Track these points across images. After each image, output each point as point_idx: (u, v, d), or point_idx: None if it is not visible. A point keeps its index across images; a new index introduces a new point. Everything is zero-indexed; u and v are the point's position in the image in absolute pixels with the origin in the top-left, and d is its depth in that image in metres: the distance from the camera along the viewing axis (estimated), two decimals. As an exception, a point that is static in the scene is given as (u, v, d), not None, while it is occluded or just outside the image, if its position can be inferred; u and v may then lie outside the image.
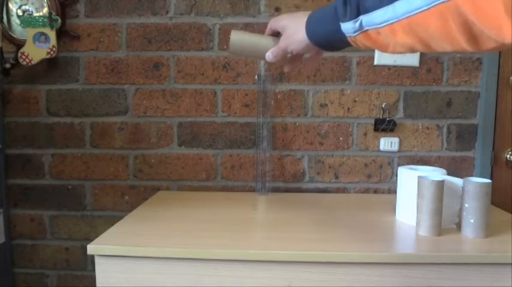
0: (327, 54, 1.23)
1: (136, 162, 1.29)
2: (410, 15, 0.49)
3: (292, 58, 0.76)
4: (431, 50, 0.51)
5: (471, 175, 1.27)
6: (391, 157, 1.27)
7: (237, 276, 0.80)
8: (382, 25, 0.53)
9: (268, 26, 0.75)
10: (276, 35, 0.74)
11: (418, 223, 0.88)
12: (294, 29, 0.68)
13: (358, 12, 0.55)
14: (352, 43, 0.60)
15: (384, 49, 0.57)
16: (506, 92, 1.22)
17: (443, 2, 0.44)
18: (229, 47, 0.77)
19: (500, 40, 0.42)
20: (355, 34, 0.57)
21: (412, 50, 0.54)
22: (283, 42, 0.71)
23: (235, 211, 1.05)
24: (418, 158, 1.27)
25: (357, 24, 0.56)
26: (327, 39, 0.63)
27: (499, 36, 0.41)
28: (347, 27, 0.57)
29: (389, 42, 0.54)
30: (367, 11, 0.54)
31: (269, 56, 0.73)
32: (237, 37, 0.76)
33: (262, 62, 1.24)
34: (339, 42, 0.62)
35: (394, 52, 0.56)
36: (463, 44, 0.46)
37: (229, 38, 0.76)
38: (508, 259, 0.77)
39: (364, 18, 0.54)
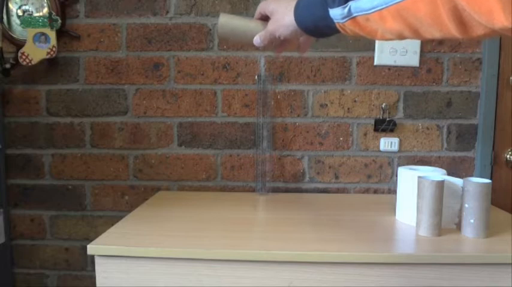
0: (327, 54, 1.23)
1: (137, 162, 1.29)
2: (400, 1, 0.48)
3: (280, 43, 0.75)
4: (420, 37, 0.50)
5: (471, 175, 1.27)
6: (391, 157, 1.27)
7: (236, 276, 0.80)
8: (371, 11, 0.52)
9: (257, 10, 0.74)
10: (265, 19, 0.73)
11: (418, 223, 0.88)
12: (282, 14, 0.67)
13: None
14: (340, 30, 0.59)
15: (372, 36, 0.56)
16: (506, 92, 1.22)
17: None
18: (217, 30, 0.76)
19: (490, 26, 0.41)
20: (344, 20, 0.56)
21: (401, 37, 0.53)
22: (271, 26, 0.70)
23: (235, 211, 1.05)
24: (418, 158, 1.27)
25: (346, 10, 0.55)
26: (314, 25, 0.63)
27: (489, 21, 0.40)
28: (335, 13, 0.56)
29: (378, 28, 0.53)
30: None
31: (257, 40, 0.73)
32: (226, 20, 0.75)
33: (262, 62, 1.24)
34: (327, 28, 0.61)
35: (382, 39, 0.56)
36: (452, 30, 0.45)
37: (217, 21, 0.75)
38: (508, 259, 0.77)
39: (353, 4, 0.54)
